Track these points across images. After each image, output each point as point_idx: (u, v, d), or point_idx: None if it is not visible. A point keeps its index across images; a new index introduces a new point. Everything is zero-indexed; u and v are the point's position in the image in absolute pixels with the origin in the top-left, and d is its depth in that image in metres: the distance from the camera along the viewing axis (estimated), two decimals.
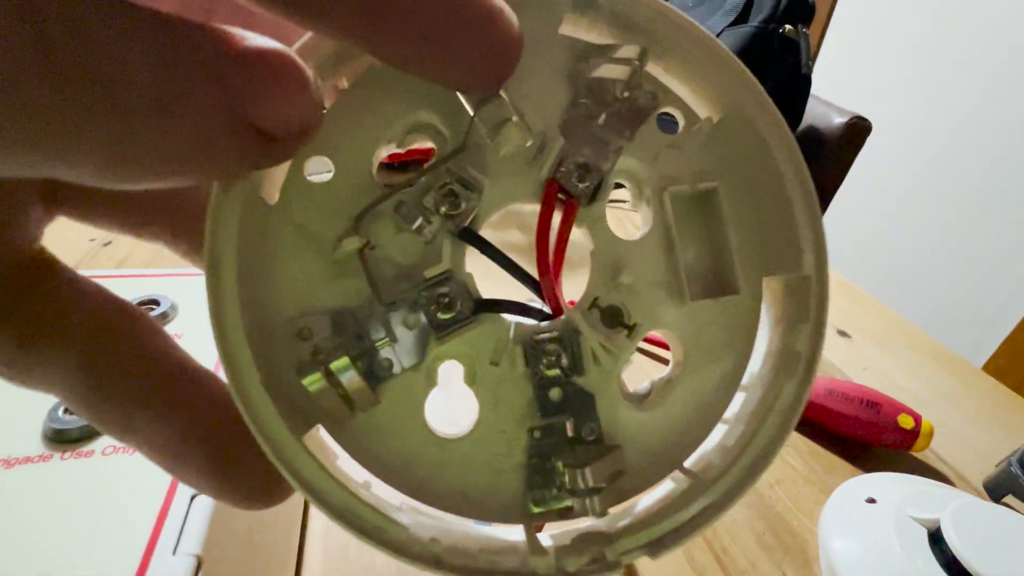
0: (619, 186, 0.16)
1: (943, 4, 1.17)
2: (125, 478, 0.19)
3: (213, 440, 0.12)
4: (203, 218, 0.12)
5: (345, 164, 0.14)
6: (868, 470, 0.40)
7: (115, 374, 0.12)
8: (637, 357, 0.16)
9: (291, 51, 0.09)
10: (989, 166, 1.13)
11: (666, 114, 0.15)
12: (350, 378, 0.13)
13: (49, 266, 0.12)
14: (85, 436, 0.20)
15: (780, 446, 0.14)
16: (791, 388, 0.14)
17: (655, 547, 0.14)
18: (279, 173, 0.13)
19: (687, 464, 0.15)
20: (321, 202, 0.14)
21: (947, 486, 0.37)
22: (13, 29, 0.07)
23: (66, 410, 0.21)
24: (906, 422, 0.41)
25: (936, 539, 0.30)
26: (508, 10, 0.11)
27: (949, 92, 1.19)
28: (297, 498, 0.35)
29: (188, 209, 0.15)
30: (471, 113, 0.13)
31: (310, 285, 0.14)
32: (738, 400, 0.16)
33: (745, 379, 0.16)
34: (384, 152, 0.14)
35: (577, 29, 0.14)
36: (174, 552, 0.17)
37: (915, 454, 0.43)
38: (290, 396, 0.13)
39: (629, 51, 0.13)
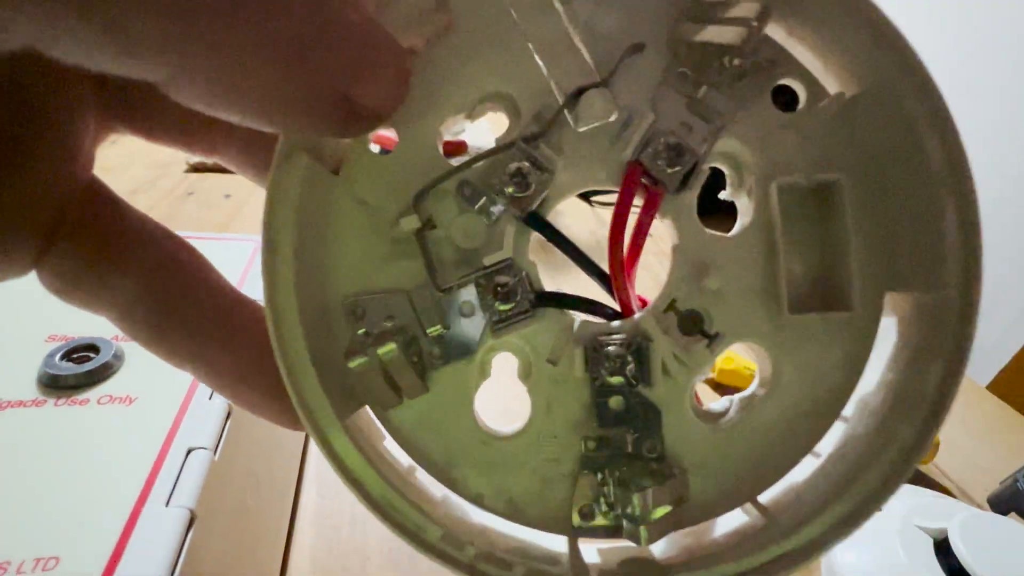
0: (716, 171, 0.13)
1: (964, 23, 1.18)
2: (120, 427, 0.19)
3: (274, 367, 0.12)
4: (271, 144, 0.11)
5: (411, 137, 0.13)
6: None
7: (184, 304, 0.12)
8: None
9: (392, 35, 0.10)
10: (997, 188, 1.13)
11: (784, 87, 0.13)
12: (397, 365, 0.12)
13: (110, 197, 0.13)
14: (81, 384, 0.20)
15: (885, 499, 0.12)
16: (908, 434, 0.12)
17: None
18: (344, 144, 0.13)
19: (763, 499, 0.13)
20: (384, 176, 0.13)
21: (951, 499, 0.37)
22: None
23: (63, 356, 0.20)
24: None
25: (942, 548, 0.30)
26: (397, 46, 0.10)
27: (963, 111, 1.19)
28: (291, 473, 0.34)
29: (254, 136, 0.15)
30: (558, 98, 0.11)
31: (368, 263, 0.13)
32: (836, 432, 0.13)
33: (849, 408, 0.13)
34: (451, 124, 0.13)
35: None
36: (167, 504, 0.16)
37: (919, 466, 0.43)
38: (340, 374, 0.12)
39: (746, 9, 0.11)
